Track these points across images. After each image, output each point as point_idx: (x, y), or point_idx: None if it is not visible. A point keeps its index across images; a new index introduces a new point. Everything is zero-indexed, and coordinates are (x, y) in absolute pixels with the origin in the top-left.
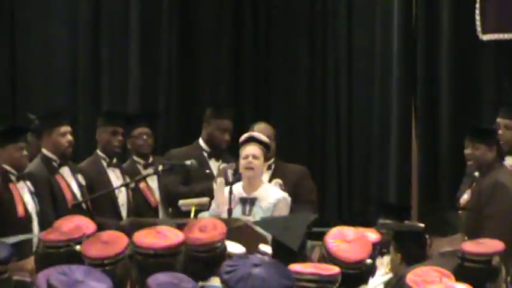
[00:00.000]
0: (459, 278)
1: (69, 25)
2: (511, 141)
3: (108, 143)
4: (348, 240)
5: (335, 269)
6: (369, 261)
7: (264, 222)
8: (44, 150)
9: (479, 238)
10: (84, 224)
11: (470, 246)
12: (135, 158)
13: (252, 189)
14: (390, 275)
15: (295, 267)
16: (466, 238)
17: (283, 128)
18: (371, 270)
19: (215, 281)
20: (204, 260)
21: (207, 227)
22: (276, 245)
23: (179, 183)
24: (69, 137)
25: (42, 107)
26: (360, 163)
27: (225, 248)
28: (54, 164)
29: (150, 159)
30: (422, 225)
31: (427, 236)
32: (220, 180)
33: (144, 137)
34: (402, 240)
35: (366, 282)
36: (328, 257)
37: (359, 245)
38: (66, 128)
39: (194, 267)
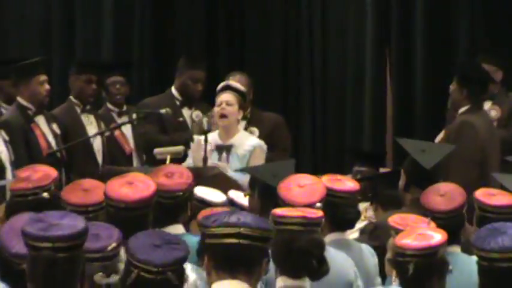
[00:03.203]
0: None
1: None
2: None
3: (82, 91)
4: (300, 185)
5: (319, 213)
6: (318, 205)
7: (251, 168)
8: (20, 99)
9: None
10: (47, 172)
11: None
12: (109, 105)
13: (228, 137)
14: (366, 222)
15: (279, 211)
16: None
17: (257, 77)
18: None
19: (174, 228)
20: (164, 206)
21: (174, 174)
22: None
23: (157, 131)
24: (47, 86)
25: (16, 56)
26: (334, 110)
27: (187, 198)
28: (30, 112)
29: (124, 108)
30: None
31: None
32: (198, 139)
33: (118, 85)
34: (378, 187)
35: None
36: (281, 202)
37: (310, 189)
38: (44, 77)
39: (156, 213)
